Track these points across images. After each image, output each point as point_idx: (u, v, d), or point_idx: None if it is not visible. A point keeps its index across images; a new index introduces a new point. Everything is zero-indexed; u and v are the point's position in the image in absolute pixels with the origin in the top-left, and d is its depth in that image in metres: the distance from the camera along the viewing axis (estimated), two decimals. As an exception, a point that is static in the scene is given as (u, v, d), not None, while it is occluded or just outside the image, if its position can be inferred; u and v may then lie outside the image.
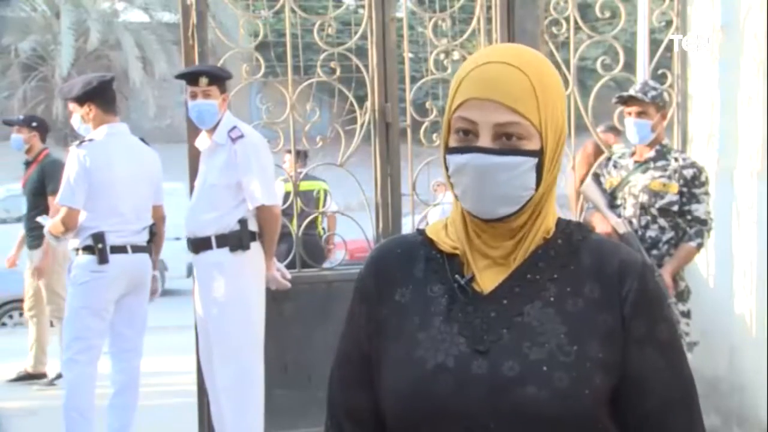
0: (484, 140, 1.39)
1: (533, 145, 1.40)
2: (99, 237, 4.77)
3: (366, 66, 5.12)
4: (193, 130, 4.80)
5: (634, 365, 1.42)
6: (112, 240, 4.79)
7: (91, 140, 4.87)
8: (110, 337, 5.01)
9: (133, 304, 4.97)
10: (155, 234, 5.05)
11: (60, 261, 6.73)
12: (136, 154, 5.03)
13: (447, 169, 1.44)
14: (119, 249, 4.82)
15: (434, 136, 5.27)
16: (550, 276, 1.44)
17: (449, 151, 1.43)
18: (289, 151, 6.19)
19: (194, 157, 4.83)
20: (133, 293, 4.94)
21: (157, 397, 6.41)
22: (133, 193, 4.90)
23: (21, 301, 9.68)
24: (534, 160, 1.40)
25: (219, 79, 4.58)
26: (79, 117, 4.94)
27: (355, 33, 5.17)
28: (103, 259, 4.77)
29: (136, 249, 4.89)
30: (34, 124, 6.96)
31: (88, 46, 23.19)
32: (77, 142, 4.92)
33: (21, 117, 7.27)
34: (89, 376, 4.86)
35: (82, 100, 4.89)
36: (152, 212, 5.07)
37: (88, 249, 4.80)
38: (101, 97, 4.91)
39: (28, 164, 6.96)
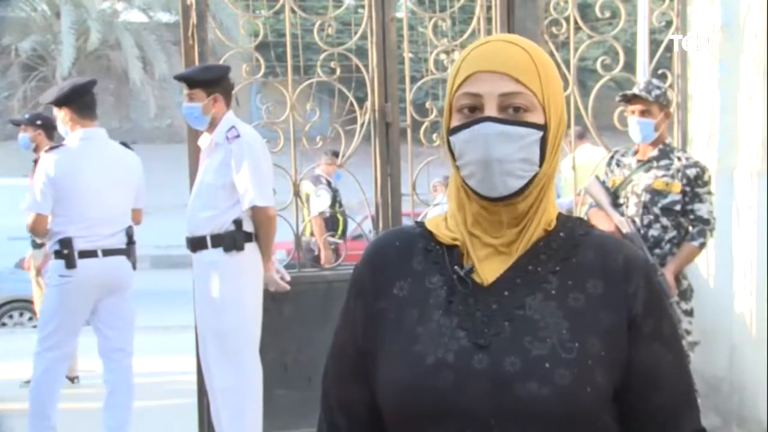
0: (490, 111, 1.39)
1: (537, 118, 1.41)
2: (66, 242, 4.82)
3: (366, 66, 5.11)
4: (193, 130, 4.80)
5: (644, 361, 1.42)
6: (80, 245, 4.83)
7: (62, 146, 4.95)
8: (97, 339, 5.07)
9: (114, 306, 5.01)
10: (132, 236, 5.08)
11: None
12: (111, 159, 5.05)
13: (452, 153, 1.43)
14: (89, 253, 4.85)
15: (434, 136, 5.27)
16: (551, 268, 1.44)
17: (453, 131, 1.42)
18: (326, 153, 6.22)
19: (194, 157, 4.84)
20: (111, 296, 4.98)
21: (157, 397, 6.41)
22: (105, 198, 4.92)
23: (20, 301, 9.74)
24: (539, 134, 1.41)
25: (199, 82, 4.58)
26: (59, 120, 5.02)
27: (355, 33, 5.17)
28: (70, 264, 4.81)
29: (108, 252, 4.91)
30: (39, 122, 7.01)
31: (89, 45, 23.19)
32: (47, 147, 4.99)
33: (27, 116, 7.31)
34: (55, 374, 4.94)
35: (57, 104, 4.95)
36: (132, 215, 5.13)
37: (57, 253, 4.86)
38: (76, 101, 4.94)
39: (36, 162, 7.00)
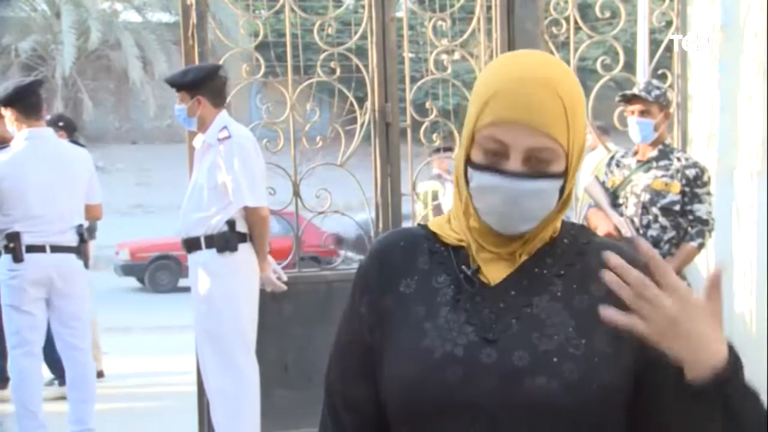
0: (515, 162, 1.38)
1: (559, 167, 1.41)
2: (13, 236, 4.86)
3: (366, 66, 5.11)
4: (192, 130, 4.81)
5: (655, 355, 1.40)
6: (28, 240, 4.87)
7: (6, 146, 5.00)
8: (55, 338, 5.12)
9: (63, 304, 5.02)
10: (83, 234, 5.10)
11: None
12: (58, 158, 5.08)
13: (466, 178, 1.43)
14: (37, 248, 4.89)
15: (434, 136, 5.27)
16: (557, 272, 1.45)
17: (475, 166, 1.42)
18: (437, 150, 6.17)
19: (193, 157, 4.83)
20: (59, 293, 4.99)
21: (157, 398, 6.42)
22: (52, 196, 4.95)
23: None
24: (560, 182, 1.41)
25: (180, 85, 4.61)
26: (6, 120, 5.06)
27: (355, 33, 5.17)
28: (17, 258, 4.86)
29: (57, 249, 4.94)
30: (61, 123, 7.05)
31: (89, 45, 23.22)
32: None
33: (48, 117, 7.35)
34: (28, 370, 4.96)
35: (2, 104, 5.00)
36: (87, 211, 5.17)
37: (5, 248, 4.90)
38: (21, 102, 4.98)
39: None
